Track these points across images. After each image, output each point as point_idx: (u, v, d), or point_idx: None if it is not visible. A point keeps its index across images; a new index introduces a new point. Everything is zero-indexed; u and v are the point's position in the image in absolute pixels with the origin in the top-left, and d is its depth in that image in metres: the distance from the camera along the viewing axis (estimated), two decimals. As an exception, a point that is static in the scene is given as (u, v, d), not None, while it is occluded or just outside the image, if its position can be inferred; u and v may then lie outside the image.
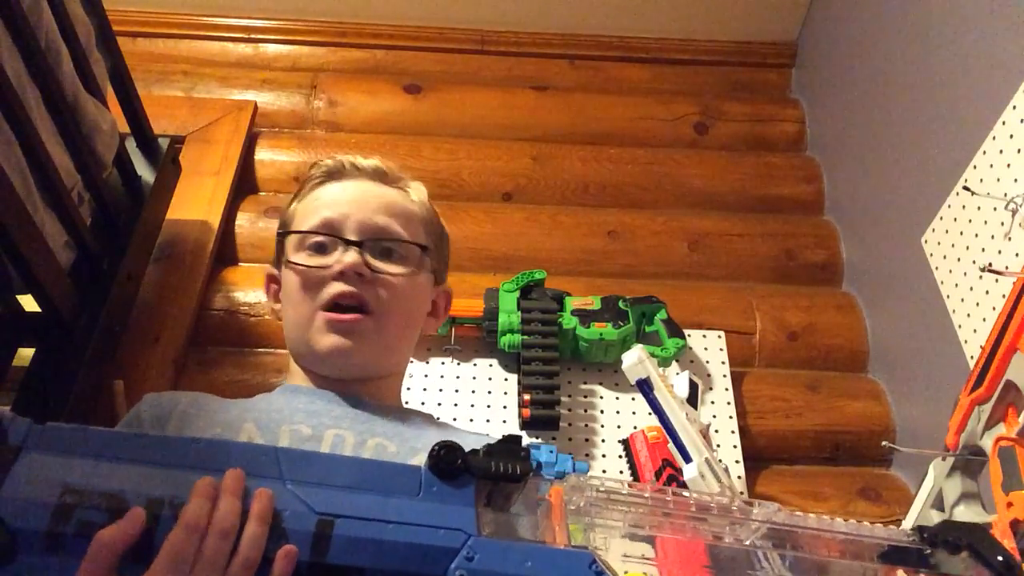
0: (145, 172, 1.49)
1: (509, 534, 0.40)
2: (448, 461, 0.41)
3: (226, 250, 1.65)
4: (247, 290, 1.60)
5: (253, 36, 1.99)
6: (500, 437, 0.45)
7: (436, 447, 0.41)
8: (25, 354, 1.23)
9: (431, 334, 0.98)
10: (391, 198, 0.89)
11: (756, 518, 0.47)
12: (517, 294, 1.49)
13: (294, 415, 0.78)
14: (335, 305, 0.81)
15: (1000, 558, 0.53)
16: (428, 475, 0.41)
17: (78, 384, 1.22)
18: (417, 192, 0.93)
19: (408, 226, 0.87)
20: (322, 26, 1.99)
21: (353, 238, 0.83)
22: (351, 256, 0.81)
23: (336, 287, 0.81)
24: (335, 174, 0.90)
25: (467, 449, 0.46)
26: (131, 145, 1.49)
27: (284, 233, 0.87)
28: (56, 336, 1.22)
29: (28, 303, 1.20)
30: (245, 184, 1.75)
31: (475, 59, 2.01)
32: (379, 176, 0.90)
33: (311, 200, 0.89)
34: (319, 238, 0.84)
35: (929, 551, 0.52)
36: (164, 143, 1.56)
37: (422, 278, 0.88)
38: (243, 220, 1.69)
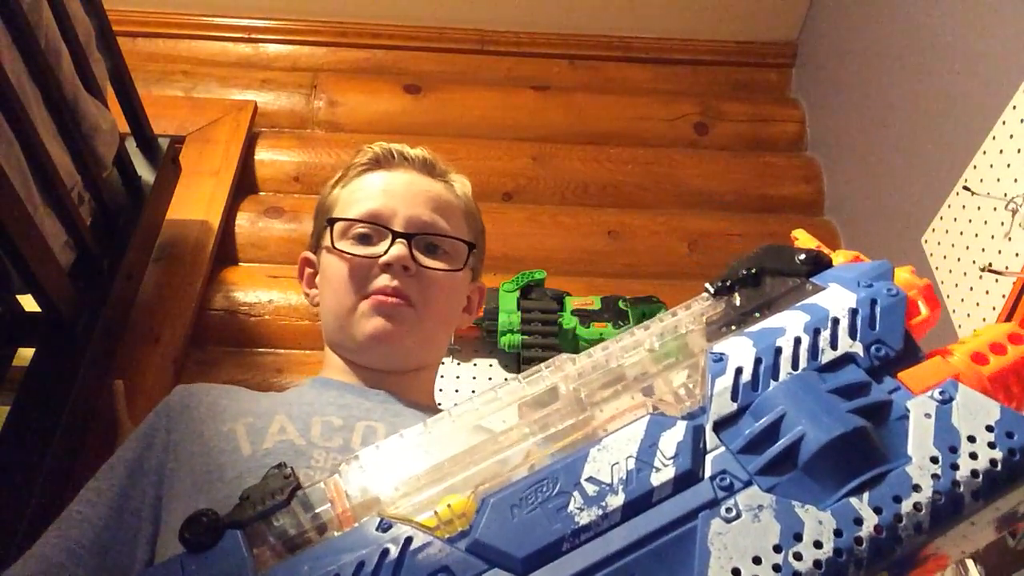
0: (145, 172, 1.49)
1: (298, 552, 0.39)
2: (195, 532, 0.38)
3: (226, 250, 1.65)
4: (247, 290, 1.59)
5: (253, 36, 1.99)
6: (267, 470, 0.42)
7: (181, 526, 0.39)
8: (25, 354, 1.23)
9: (463, 330, 0.98)
10: (437, 192, 0.89)
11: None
12: (517, 294, 1.49)
13: (325, 407, 0.79)
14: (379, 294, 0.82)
15: (801, 257, 0.48)
16: (185, 558, 0.38)
17: (78, 384, 1.21)
18: (461, 186, 0.93)
19: (453, 223, 0.88)
20: (322, 26, 1.99)
21: (401, 231, 0.84)
22: (398, 249, 0.82)
23: (381, 279, 0.82)
24: (382, 162, 0.89)
25: None
26: (131, 145, 1.49)
27: (332, 221, 0.86)
28: (56, 336, 1.22)
29: (28, 303, 1.20)
30: (245, 184, 1.75)
31: (475, 59, 2.01)
32: (426, 168, 0.90)
33: (356, 188, 0.88)
34: (366, 228, 0.84)
35: (735, 300, 0.49)
36: (164, 143, 1.56)
37: (462, 275, 0.89)
38: (243, 220, 1.69)
